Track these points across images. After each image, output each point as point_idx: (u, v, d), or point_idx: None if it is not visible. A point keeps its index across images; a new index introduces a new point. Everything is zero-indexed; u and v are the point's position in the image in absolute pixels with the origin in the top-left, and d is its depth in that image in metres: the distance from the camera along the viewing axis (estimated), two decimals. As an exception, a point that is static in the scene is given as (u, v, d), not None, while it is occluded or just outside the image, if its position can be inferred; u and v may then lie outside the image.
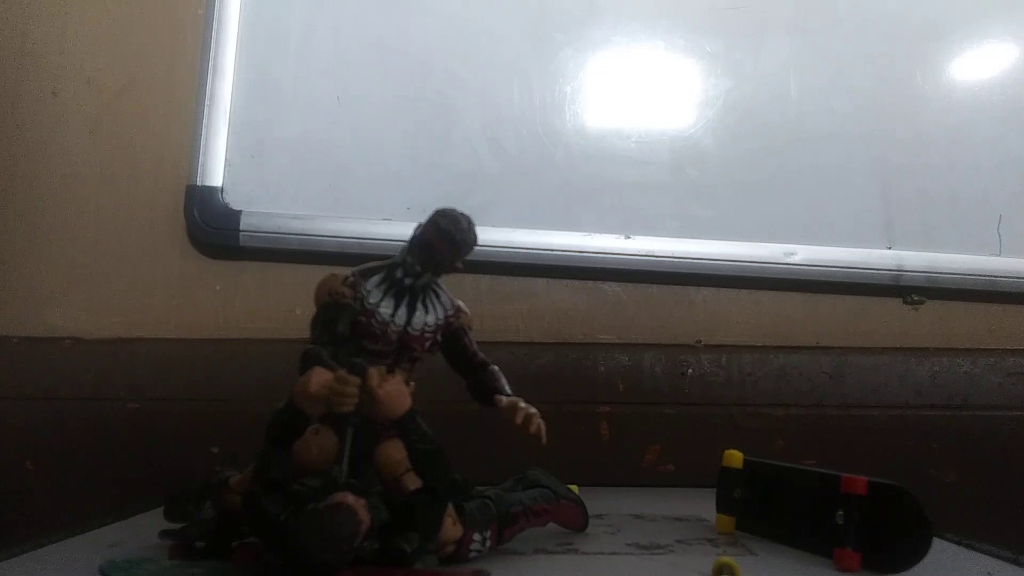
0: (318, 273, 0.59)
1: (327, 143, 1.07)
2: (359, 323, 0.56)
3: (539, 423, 0.58)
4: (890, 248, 1.09)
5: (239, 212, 1.04)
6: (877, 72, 1.12)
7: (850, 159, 1.11)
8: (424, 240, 0.57)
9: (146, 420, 1.00)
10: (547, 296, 1.09)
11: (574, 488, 0.72)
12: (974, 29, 1.14)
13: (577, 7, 1.11)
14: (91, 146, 1.08)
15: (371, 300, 0.57)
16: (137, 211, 1.08)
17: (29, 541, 0.61)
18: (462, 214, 0.57)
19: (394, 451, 0.55)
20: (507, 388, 0.61)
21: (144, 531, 0.65)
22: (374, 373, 0.51)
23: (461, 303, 0.62)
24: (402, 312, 0.57)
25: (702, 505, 0.78)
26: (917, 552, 0.55)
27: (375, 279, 0.58)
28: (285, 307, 1.06)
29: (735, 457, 0.71)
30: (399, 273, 0.57)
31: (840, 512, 0.59)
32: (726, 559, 0.54)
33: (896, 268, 1.08)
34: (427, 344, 0.59)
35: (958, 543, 0.68)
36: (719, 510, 0.71)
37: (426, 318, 0.59)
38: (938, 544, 0.60)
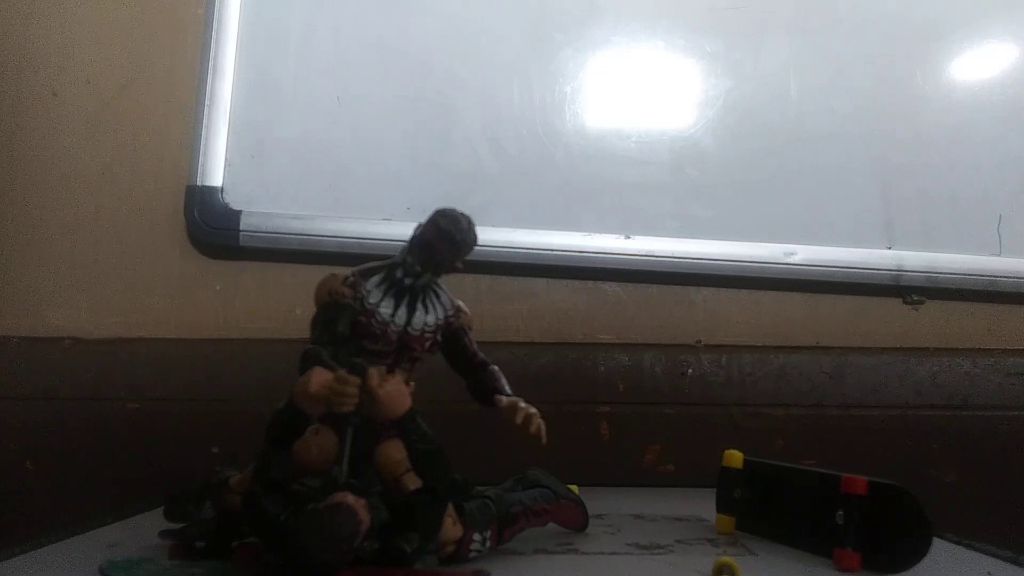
0: (318, 273, 0.59)
1: (327, 143, 1.07)
2: (359, 323, 0.56)
3: (539, 423, 0.58)
4: (890, 248, 1.09)
5: (239, 212, 1.04)
6: (877, 72, 1.12)
7: (850, 159, 1.11)
8: (424, 240, 0.57)
9: (146, 420, 1.00)
10: (547, 296, 1.09)
11: (574, 488, 0.72)
12: (974, 29, 1.14)
13: (577, 7, 1.11)
14: (91, 146, 1.08)
15: (371, 300, 0.57)
16: (137, 211, 1.08)
17: (29, 541, 0.61)
18: (462, 214, 0.57)
19: (394, 451, 0.55)
20: (507, 388, 0.61)
21: (144, 531, 0.65)
22: (374, 373, 0.51)
23: (461, 303, 0.62)
24: (402, 312, 0.57)
25: (702, 505, 0.78)
26: (917, 552, 0.55)
27: (375, 279, 0.58)
28: (285, 307, 1.06)
29: (735, 457, 0.71)
30: (399, 273, 0.58)
31: (840, 512, 0.59)
32: (726, 559, 0.54)
33: (896, 268, 1.08)
34: (427, 344, 0.59)
35: (958, 543, 0.68)
36: (719, 510, 0.71)
37: (426, 318, 0.59)
38: (938, 544, 0.60)
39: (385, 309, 0.57)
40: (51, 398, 1.00)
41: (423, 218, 0.58)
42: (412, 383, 0.55)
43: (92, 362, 1.02)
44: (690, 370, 1.06)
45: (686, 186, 1.10)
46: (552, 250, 1.06)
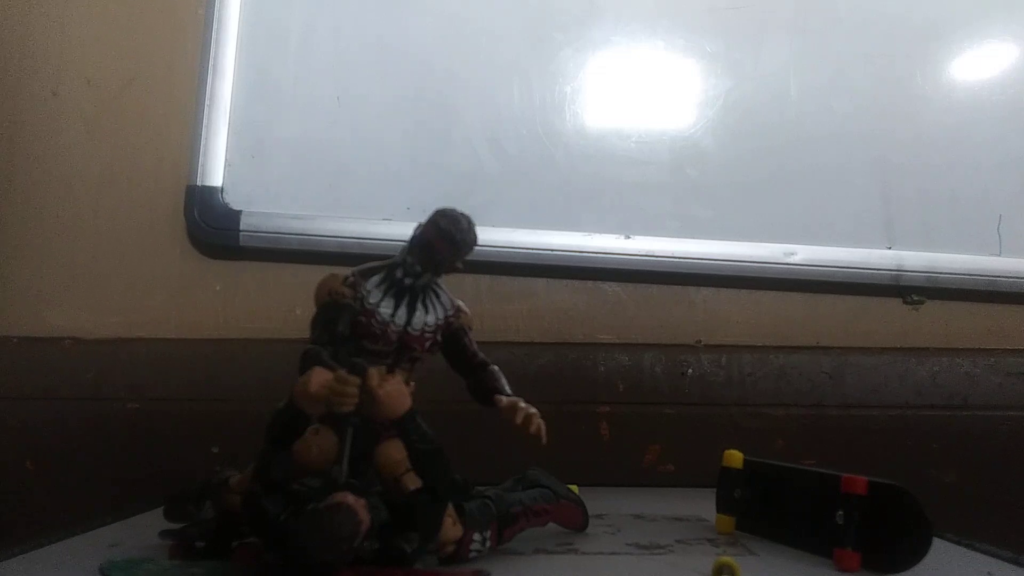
0: (318, 273, 0.59)
1: (327, 143, 1.07)
2: (359, 323, 0.56)
3: (539, 423, 0.58)
4: (890, 248, 1.09)
5: (239, 212, 1.04)
6: (877, 72, 1.12)
7: (850, 159, 1.11)
8: (424, 240, 0.57)
9: (146, 420, 1.00)
10: (547, 296, 1.09)
11: (574, 488, 0.72)
12: (974, 29, 1.14)
13: (577, 7, 1.11)
14: (91, 146, 1.08)
15: (371, 300, 0.57)
16: (137, 211, 1.08)
17: (29, 541, 0.61)
18: (462, 214, 0.57)
19: (394, 451, 0.55)
20: (507, 388, 0.61)
21: (144, 531, 0.65)
22: (374, 373, 0.51)
23: (461, 303, 0.62)
24: (402, 312, 0.57)
25: (702, 505, 0.78)
26: (917, 552, 0.55)
27: (375, 279, 0.58)
28: (285, 307, 1.06)
29: (735, 457, 0.71)
30: (399, 273, 0.57)
31: (840, 512, 0.59)
32: (726, 559, 0.54)
33: (896, 268, 1.08)
34: (427, 344, 0.59)
35: (958, 543, 0.68)
36: (719, 510, 0.71)
37: (426, 318, 0.59)
38: (938, 544, 0.60)
39: (385, 309, 0.57)
40: (51, 398, 1.00)
41: (423, 218, 0.58)
42: (412, 383, 0.55)
43: (92, 362, 1.02)
44: (690, 370, 1.06)
45: (686, 186, 1.10)
46: (552, 250, 1.06)
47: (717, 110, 1.11)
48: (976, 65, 1.14)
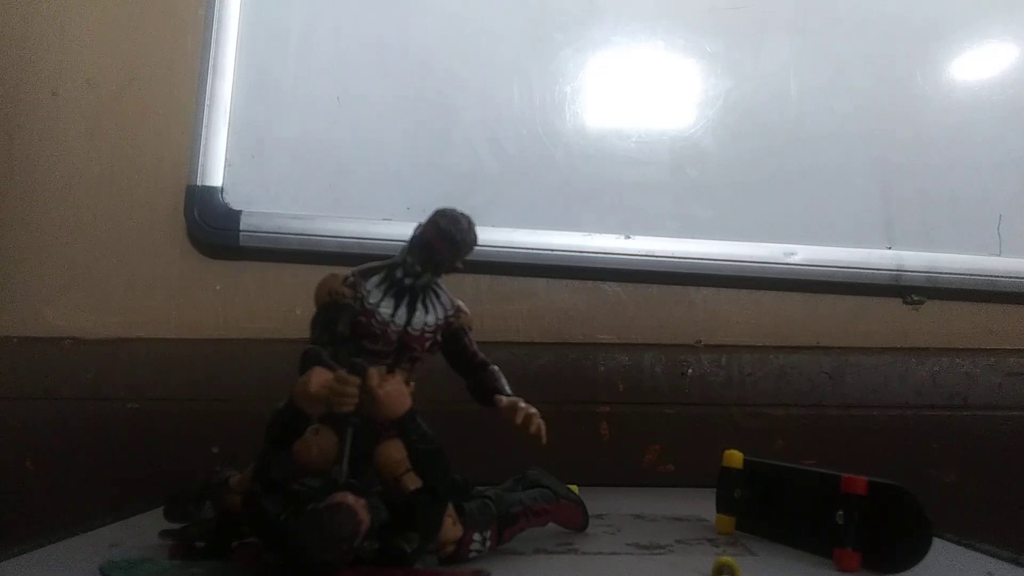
0: (318, 273, 0.59)
1: (327, 143, 1.07)
2: (359, 323, 0.56)
3: (539, 423, 0.58)
4: (890, 248, 1.09)
5: (239, 212, 1.04)
6: (877, 72, 1.12)
7: (850, 159, 1.11)
8: (424, 240, 0.57)
9: (146, 420, 1.00)
10: (547, 296, 1.09)
11: (574, 488, 0.72)
12: (974, 29, 1.14)
13: (577, 7, 1.11)
14: (91, 146, 1.08)
15: (371, 300, 0.57)
16: (137, 211, 1.08)
17: (29, 541, 0.61)
18: (462, 214, 0.57)
19: (394, 451, 0.55)
20: (507, 388, 0.61)
21: (144, 531, 0.65)
22: (374, 373, 0.51)
23: (461, 303, 0.62)
24: (402, 312, 0.57)
25: (702, 505, 0.78)
26: (917, 552, 0.55)
27: (375, 279, 0.58)
28: (285, 307, 1.06)
29: (735, 457, 0.71)
30: (399, 273, 0.57)
31: (840, 512, 0.59)
32: (726, 559, 0.54)
33: (896, 268, 1.08)
34: (427, 344, 0.59)
35: (958, 543, 0.68)
36: (719, 510, 0.71)
37: (426, 318, 0.59)
38: (938, 544, 0.60)
39: (385, 309, 0.57)
40: (51, 398, 1.00)
41: (423, 218, 0.58)
42: (412, 383, 0.55)
43: (92, 362, 1.02)
44: (690, 370, 1.06)
45: (686, 186, 1.10)
46: (552, 250, 1.06)
47: (717, 110, 1.11)
48: (976, 65, 1.14)
